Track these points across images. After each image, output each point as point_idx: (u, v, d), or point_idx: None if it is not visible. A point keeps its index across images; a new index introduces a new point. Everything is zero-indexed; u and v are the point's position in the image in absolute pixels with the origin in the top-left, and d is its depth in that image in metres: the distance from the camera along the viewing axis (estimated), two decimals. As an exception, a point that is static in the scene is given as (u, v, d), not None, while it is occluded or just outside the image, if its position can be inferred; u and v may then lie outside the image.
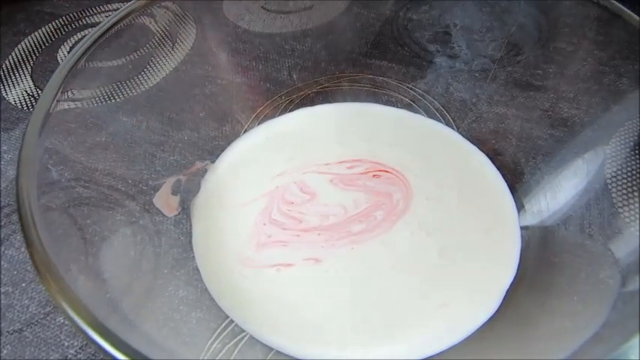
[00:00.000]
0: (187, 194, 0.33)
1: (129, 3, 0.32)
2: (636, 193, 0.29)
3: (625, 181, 0.30)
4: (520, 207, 0.31)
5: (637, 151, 0.31)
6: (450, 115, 0.37)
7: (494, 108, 0.37)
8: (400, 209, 0.30)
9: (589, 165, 0.32)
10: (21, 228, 0.20)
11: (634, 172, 0.30)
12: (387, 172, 0.32)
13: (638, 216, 0.29)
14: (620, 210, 0.29)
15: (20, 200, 0.21)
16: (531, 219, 0.31)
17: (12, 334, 0.29)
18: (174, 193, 0.32)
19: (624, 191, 0.30)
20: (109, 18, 0.31)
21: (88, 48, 0.29)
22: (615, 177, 0.30)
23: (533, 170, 0.33)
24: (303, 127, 0.36)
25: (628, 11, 0.28)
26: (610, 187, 0.30)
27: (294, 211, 0.31)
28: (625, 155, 0.31)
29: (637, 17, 0.28)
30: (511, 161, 0.34)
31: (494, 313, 0.26)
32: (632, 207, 0.29)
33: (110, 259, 0.28)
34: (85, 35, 0.47)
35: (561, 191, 0.31)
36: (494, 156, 0.34)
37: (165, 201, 0.32)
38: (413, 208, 0.30)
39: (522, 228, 0.30)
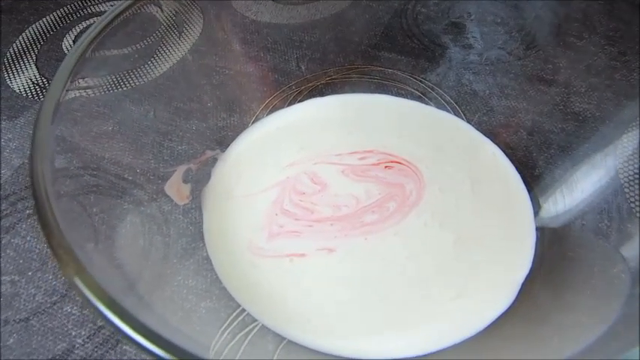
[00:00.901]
0: (197, 183, 0.33)
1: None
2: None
3: (632, 165, 0.30)
4: (536, 203, 0.31)
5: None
6: (460, 108, 0.37)
7: (506, 101, 0.37)
8: (413, 200, 0.30)
9: (605, 161, 0.31)
10: (36, 211, 0.20)
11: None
12: (399, 163, 0.32)
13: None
14: (633, 205, 0.29)
15: (35, 183, 0.21)
16: (547, 215, 0.30)
17: (18, 322, 0.28)
18: (185, 181, 0.32)
19: (631, 174, 0.30)
20: (117, 6, 0.31)
21: (97, 35, 0.29)
22: (630, 174, 0.30)
23: (544, 164, 0.33)
24: (313, 118, 0.35)
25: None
26: (623, 182, 0.30)
27: (306, 201, 0.31)
28: (636, 147, 0.31)
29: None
30: (522, 155, 0.34)
31: (509, 307, 0.26)
32: (635, 187, 0.29)
33: (119, 247, 0.28)
34: (90, 24, 0.46)
35: (577, 188, 0.31)
36: (505, 149, 0.34)
37: (177, 189, 0.31)
38: (426, 199, 0.30)
39: (538, 228, 0.30)
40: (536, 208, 0.31)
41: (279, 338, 0.26)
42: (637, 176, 0.30)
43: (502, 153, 0.33)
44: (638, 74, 0.33)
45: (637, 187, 0.30)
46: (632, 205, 0.29)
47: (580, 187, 0.31)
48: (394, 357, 0.25)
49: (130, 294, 0.23)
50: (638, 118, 0.32)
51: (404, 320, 0.26)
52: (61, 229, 0.18)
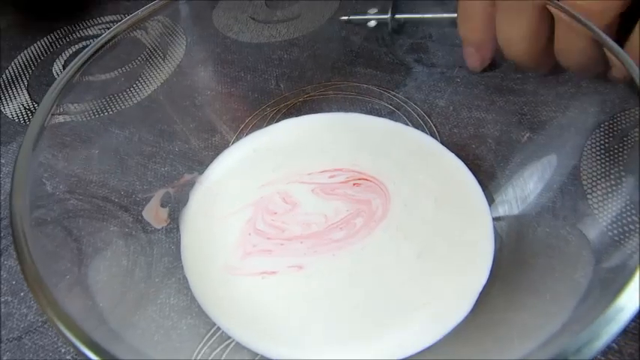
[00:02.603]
0: (177, 205, 0.34)
1: (123, 20, 0.33)
2: (603, 184, 0.31)
3: (595, 172, 0.31)
4: (496, 212, 0.32)
5: (610, 152, 0.32)
6: (432, 121, 0.38)
7: (475, 113, 0.38)
8: (379, 215, 0.31)
9: (568, 168, 0.33)
10: (13, 244, 0.22)
11: (603, 161, 0.32)
12: (366, 179, 0.33)
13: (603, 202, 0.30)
14: (596, 212, 0.30)
15: (13, 217, 0.22)
16: (507, 224, 0.31)
17: (11, 341, 0.30)
18: (163, 205, 0.34)
19: (594, 181, 0.31)
20: (105, 34, 0.32)
21: (84, 63, 0.30)
22: (592, 180, 0.31)
23: (510, 173, 0.34)
24: (288, 138, 0.37)
25: (589, 24, 0.29)
26: (586, 189, 0.31)
27: (278, 220, 0.32)
28: (599, 154, 0.32)
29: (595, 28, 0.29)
30: (490, 165, 0.35)
31: (470, 312, 0.27)
32: (598, 193, 0.30)
33: (104, 269, 0.29)
34: (80, 48, 0.48)
35: (539, 195, 0.32)
36: (474, 160, 0.35)
37: (155, 213, 0.33)
38: (391, 213, 0.32)
39: (498, 237, 0.31)
40: (497, 217, 0.32)
41: (254, 352, 0.27)
42: (599, 182, 0.31)
43: (465, 167, 0.34)
44: (604, 82, 0.34)
45: (599, 193, 0.31)
46: (595, 211, 0.30)
47: (542, 194, 0.32)
48: (362, 366, 0.27)
49: (108, 320, 0.24)
50: (601, 125, 0.34)
51: (370, 331, 0.27)
52: (35, 264, 0.20)
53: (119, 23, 0.33)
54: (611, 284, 0.23)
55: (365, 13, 0.44)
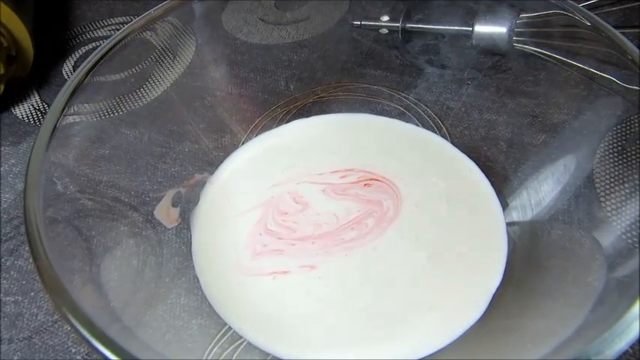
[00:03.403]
0: (187, 205, 0.34)
1: (135, 20, 0.33)
2: (618, 187, 0.30)
3: (608, 174, 0.31)
4: (509, 215, 0.32)
5: (624, 154, 0.32)
6: (442, 123, 0.38)
7: (486, 115, 0.38)
8: (390, 216, 0.31)
9: (581, 171, 0.32)
10: (28, 244, 0.22)
11: (616, 166, 0.31)
12: (377, 180, 0.33)
13: (618, 207, 0.29)
14: (609, 214, 0.30)
15: (27, 215, 0.22)
16: (521, 227, 0.31)
17: (22, 341, 0.30)
18: (174, 205, 0.34)
19: (607, 184, 0.31)
20: (117, 34, 0.32)
21: (96, 63, 0.30)
22: (606, 183, 0.31)
23: (523, 175, 0.34)
24: (298, 138, 0.37)
25: (604, 24, 0.29)
26: (599, 192, 0.31)
27: (289, 220, 0.32)
28: (612, 156, 0.32)
29: (612, 28, 0.29)
30: (502, 167, 0.35)
31: (481, 316, 0.27)
32: (613, 196, 0.30)
33: (114, 269, 0.29)
34: (89, 50, 0.48)
35: (552, 198, 0.32)
36: (485, 162, 0.35)
37: (166, 213, 0.33)
38: (403, 214, 0.31)
39: (511, 240, 0.31)
40: (510, 219, 0.32)
41: (265, 353, 0.27)
42: (614, 186, 0.31)
43: (477, 168, 0.34)
44: (616, 84, 0.33)
45: (614, 196, 0.31)
46: (609, 214, 0.30)
47: (555, 197, 0.32)
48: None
49: (120, 318, 0.24)
50: (614, 128, 0.33)
51: (380, 332, 0.27)
52: (51, 262, 0.20)
53: (131, 22, 0.33)
54: (628, 289, 0.23)
55: (377, 20, 0.43)
